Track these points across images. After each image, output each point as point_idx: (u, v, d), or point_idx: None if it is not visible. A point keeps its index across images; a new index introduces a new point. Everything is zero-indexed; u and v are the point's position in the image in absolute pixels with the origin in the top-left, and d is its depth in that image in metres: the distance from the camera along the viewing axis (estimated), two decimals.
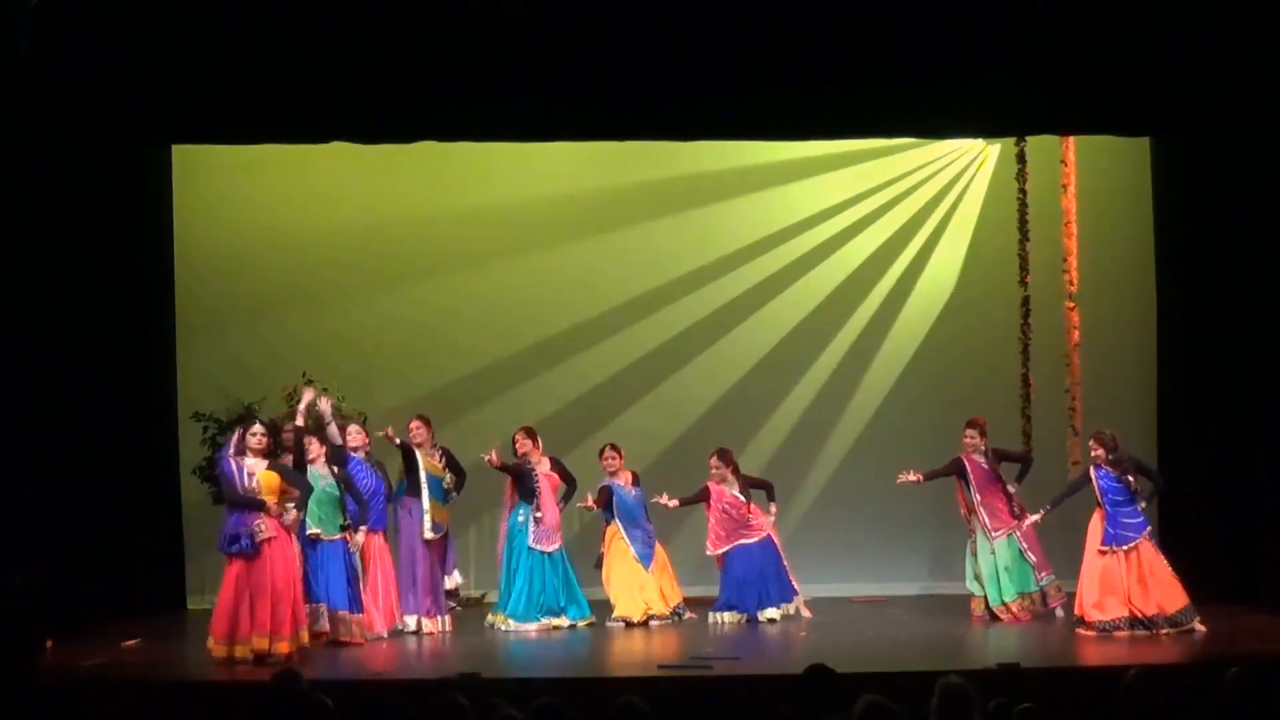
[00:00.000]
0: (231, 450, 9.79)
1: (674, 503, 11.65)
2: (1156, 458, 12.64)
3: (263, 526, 9.59)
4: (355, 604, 10.50)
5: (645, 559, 11.54)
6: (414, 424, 11.26)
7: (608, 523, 11.67)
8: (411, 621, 11.06)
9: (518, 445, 11.44)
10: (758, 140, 12.20)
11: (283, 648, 9.54)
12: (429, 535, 11.08)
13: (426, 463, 11.17)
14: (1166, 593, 10.38)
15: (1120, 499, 10.52)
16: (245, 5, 9.69)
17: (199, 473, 12.31)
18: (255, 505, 9.63)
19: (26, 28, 9.42)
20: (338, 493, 10.53)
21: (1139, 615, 10.30)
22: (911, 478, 11.32)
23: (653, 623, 11.37)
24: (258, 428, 9.87)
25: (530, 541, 11.26)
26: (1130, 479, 10.52)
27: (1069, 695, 7.84)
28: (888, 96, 10.13)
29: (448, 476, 11.30)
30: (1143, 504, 10.62)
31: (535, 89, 9.89)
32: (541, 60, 9.78)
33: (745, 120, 10.44)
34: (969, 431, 11.38)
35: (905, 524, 12.82)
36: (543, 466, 11.45)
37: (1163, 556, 10.51)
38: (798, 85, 9.98)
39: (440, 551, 11.32)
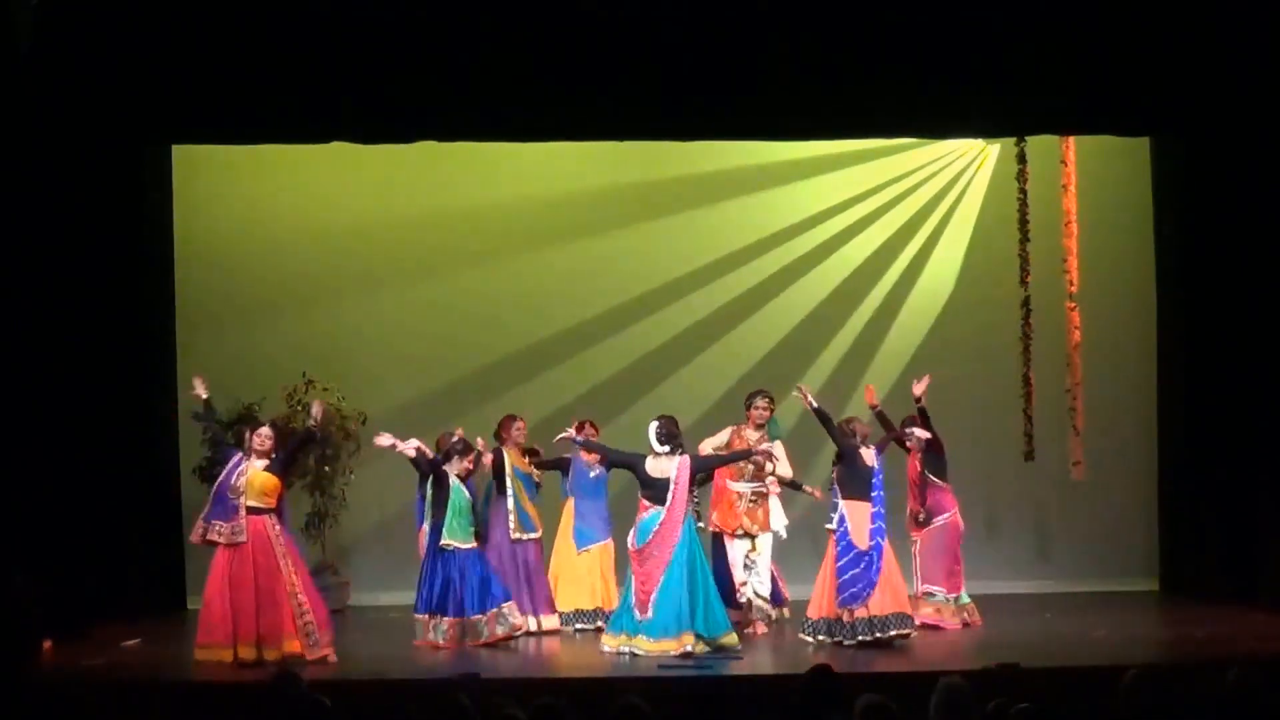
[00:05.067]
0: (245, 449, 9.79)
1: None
2: (1156, 457, 12.66)
3: (221, 530, 9.53)
4: (490, 601, 10.35)
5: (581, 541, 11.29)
6: (519, 424, 11.22)
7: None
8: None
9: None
10: (758, 140, 12.19)
11: (274, 655, 9.49)
12: (516, 535, 11.03)
13: (514, 458, 11.14)
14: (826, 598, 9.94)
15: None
16: (245, 6, 9.69)
17: (199, 473, 12.29)
18: (219, 501, 9.58)
19: (26, 28, 9.42)
20: (470, 500, 10.51)
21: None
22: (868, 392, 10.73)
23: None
24: (265, 430, 9.85)
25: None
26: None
27: (1068, 695, 7.84)
28: (888, 96, 10.13)
29: (535, 473, 11.25)
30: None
31: (535, 89, 9.89)
32: (541, 60, 9.78)
33: (746, 120, 10.43)
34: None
35: (905, 524, 12.78)
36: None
37: (832, 562, 9.96)
38: (798, 85, 9.98)
39: (539, 552, 11.17)
